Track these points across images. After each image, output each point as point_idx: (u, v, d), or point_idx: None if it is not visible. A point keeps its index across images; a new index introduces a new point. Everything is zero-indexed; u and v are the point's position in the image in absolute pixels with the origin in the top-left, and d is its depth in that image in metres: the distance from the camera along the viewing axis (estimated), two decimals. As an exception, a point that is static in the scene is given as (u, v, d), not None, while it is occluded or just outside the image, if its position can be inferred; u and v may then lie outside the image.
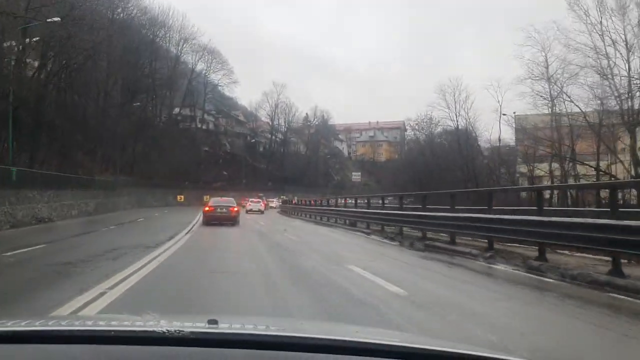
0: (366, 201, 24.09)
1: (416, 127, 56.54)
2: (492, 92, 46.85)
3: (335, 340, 1.31)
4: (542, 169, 43.62)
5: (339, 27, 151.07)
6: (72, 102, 42.14)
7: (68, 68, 41.10)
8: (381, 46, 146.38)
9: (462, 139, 48.34)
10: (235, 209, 23.51)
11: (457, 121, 48.84)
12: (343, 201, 31.23)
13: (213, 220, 22.22)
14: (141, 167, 58.64)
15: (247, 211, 41.89)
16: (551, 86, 35.96)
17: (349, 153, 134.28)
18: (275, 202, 58.52)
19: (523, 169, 47.55)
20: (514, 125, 49.28)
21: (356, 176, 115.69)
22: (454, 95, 49.00)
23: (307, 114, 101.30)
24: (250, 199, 47.00)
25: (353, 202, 26.74)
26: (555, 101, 37.13)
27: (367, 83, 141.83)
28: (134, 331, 1.31)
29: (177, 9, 70.08)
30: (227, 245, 14.81)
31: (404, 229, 16.13)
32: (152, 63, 61.93)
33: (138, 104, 49.04)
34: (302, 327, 1.77)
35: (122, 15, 52.30)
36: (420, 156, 53.90)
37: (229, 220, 22.45)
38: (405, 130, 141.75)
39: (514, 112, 47.99)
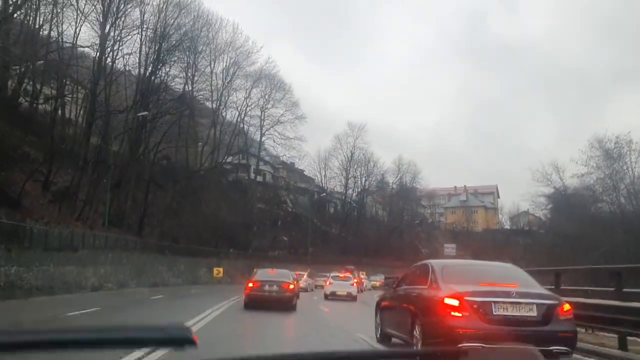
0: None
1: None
2: None
3: None
4: None
5: (399, 97, 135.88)
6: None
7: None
8: (444, 117, 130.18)
9: None
10: (291, 286, 15.70)
11: None
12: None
13: (257, 302, 14.76)
14: (161, 224, 39.18)
15: (327, 295, 21.86)
16: None
17: (432, 221, 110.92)
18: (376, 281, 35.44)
19: None
20: None
21: (450, 248, 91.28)
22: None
23: (382, 175, 77.70)
24: (332, 275, 25.82)
25: None
26: None
27: (432, 152, 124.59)
28: None
29: (227, 19, 53.08)
30: None
31: None
32: (188, 81, 44.16)
33: (146, 112, 30.34)
34: None
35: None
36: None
37: (281, 302, 14.91)
38: (499, 196, 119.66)
39: None
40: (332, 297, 22.69)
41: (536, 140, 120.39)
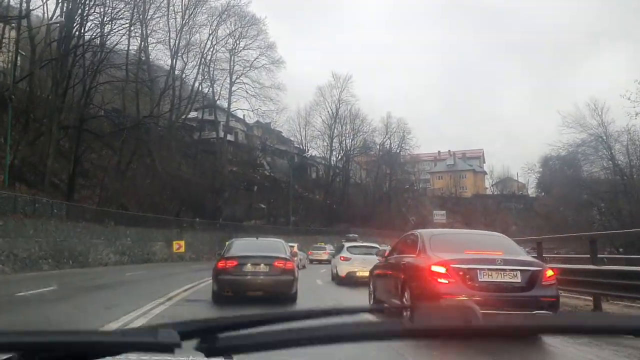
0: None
1: None
2: None
3: None
4: None
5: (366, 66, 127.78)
6: None
7: None
8: (417, 84, 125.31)
9: None
10: (287, 264, 9.48)
11: None
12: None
13: (236, 288, 9.28)
14: (103, 186, 30.21)
15: (340, 277, 13.76)
16: None
17: (417, 187, 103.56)
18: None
19: None
20: None
21: (439, 215, 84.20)
22: None
23: (367, 135, 68.12)
24: (349, 245, 17.25)
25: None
26: None
27: (407, 120, 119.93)
28: None
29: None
30: None
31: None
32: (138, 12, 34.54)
33: (61, 20, 21.01)
34: None
35: None
36: None
37: (274, 290, 9.30)
38: (485, 162, 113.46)
39: None
40: (349, 280, 14.19)
41: (511, 105, 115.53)
